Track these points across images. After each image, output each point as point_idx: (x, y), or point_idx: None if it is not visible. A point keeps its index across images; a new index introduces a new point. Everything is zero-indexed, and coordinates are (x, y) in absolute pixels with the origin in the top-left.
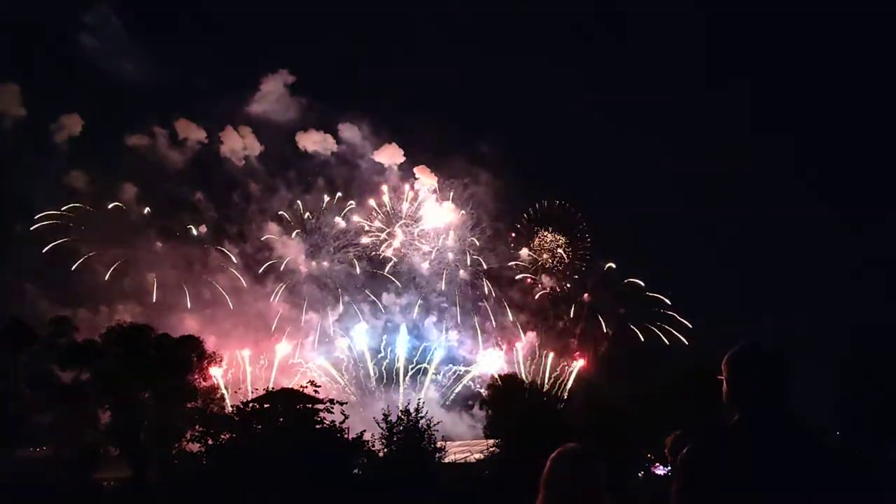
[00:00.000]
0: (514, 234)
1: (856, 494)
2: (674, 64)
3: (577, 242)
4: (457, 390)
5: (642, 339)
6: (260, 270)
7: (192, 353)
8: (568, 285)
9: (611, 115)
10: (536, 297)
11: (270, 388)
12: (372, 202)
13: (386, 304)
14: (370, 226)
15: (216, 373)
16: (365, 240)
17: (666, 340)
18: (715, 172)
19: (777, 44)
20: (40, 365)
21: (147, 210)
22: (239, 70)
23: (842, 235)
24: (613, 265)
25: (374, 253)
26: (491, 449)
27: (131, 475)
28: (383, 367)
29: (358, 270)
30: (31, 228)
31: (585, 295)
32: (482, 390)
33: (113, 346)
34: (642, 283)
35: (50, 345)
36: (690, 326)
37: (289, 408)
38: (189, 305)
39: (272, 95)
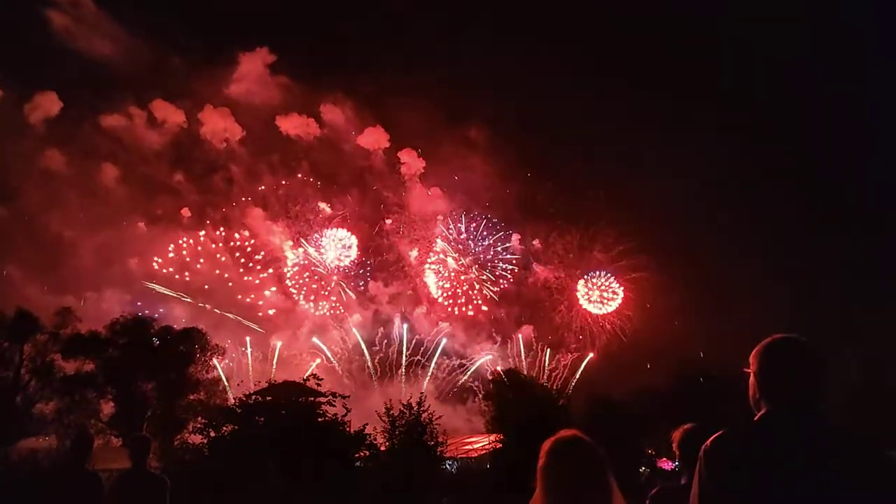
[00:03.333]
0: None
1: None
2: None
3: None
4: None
5: (649, 367)
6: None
7: (195, 345)
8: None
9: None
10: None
11: (272, 381)
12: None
13: (373, 293)
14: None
15: (218, 365)
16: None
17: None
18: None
19: None
20: (44, 355)
21: (128, 191)
22: (216, 48)
23: None
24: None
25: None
26: (493, 443)
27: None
28: (377, 360)
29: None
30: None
31: (582, 282)
32: (474, 384)
33: (117, 337)
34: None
35: (54, 335)
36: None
37: (291, 400)
38: (176, 293)
39: (252, 75)
